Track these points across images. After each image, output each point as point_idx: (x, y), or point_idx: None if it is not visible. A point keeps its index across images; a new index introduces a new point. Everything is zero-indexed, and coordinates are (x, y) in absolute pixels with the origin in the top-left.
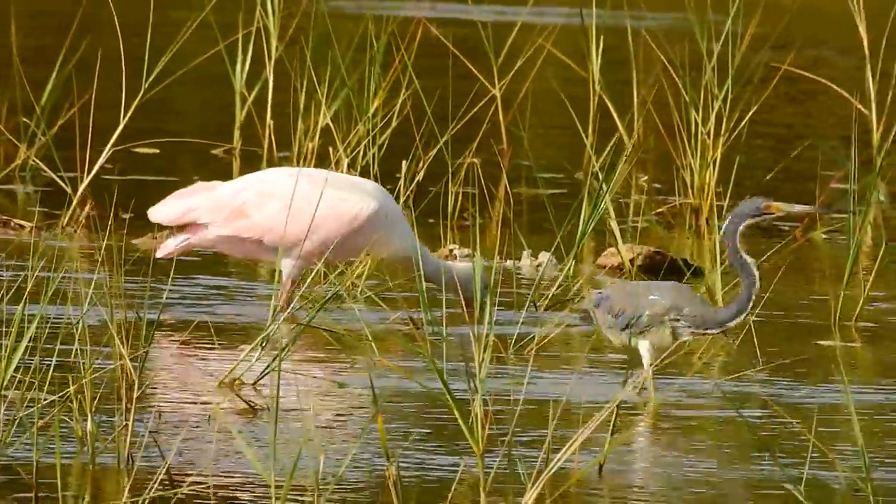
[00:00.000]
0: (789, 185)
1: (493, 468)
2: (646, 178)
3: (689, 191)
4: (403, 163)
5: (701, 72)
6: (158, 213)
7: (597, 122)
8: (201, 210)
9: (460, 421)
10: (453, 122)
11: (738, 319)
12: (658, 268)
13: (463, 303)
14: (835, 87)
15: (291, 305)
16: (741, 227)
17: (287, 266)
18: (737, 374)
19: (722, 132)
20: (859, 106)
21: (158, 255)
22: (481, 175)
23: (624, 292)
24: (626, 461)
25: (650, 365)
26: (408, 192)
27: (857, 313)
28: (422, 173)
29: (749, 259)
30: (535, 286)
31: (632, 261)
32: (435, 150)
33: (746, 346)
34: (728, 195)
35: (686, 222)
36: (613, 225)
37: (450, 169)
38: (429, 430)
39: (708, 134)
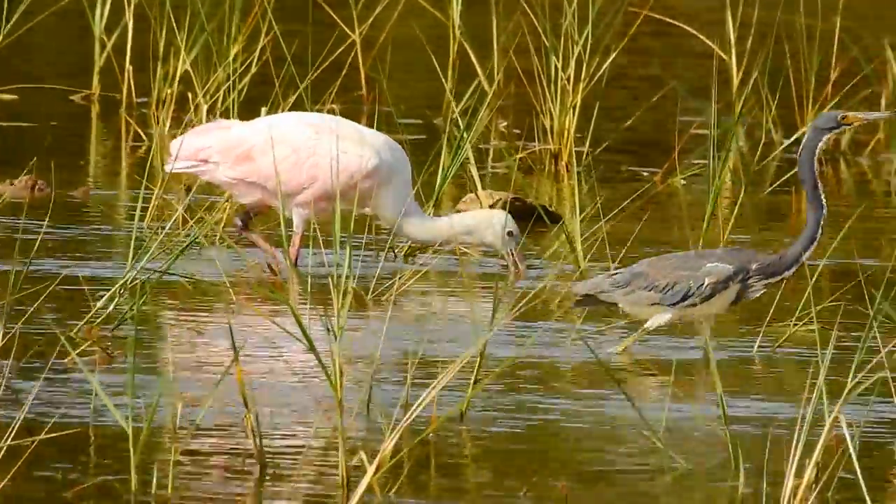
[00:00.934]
0: (649, 131)
1: (351, 415)
2: (506, 123)
3: (549, 136)
4: (262, 109)
5: (561, 16)
6: (174, 148)
7: (457, 68)
8: (213, 150)
9: (322, 368)
10: (313, 67)
11: (810, 250)
12: (518, 214)
13: (507, 258)
14: (694, 31)
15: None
16: (821, 143)
17: (295, 216)
18: (602, 325)
19: (582, 78)
20: (719, 52)
21: (167, 168)
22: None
23: (668, 266)
24: (489, 408)
25: (648, 328)
26: None
27: None
28: None
29: (819, 182)
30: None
31: (491, 206)
32: (294, 97)
33: None
34: (588, 141)
35: (546, 168)
36: (473, 171)
37: None
38: (290, 378)
39: (568, 79)
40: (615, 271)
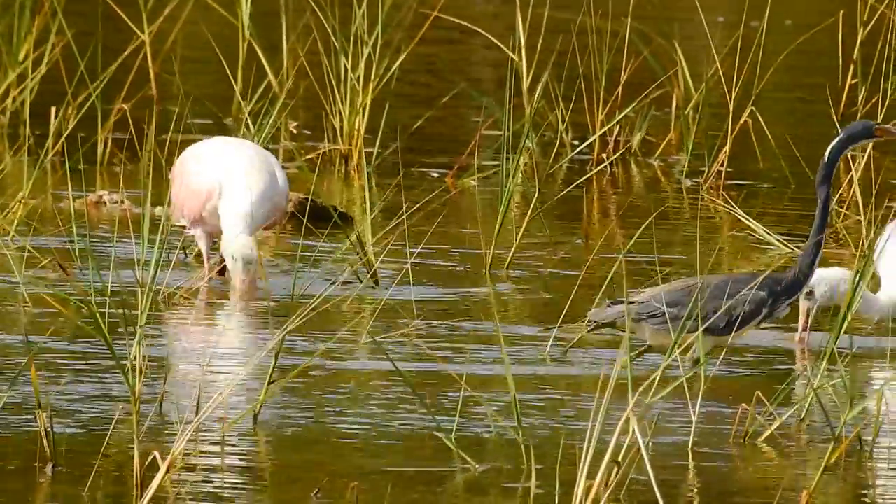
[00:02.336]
0: (440, 130)
1: (147, 416)
2: (296, 124)
3: (339, 137)
4: (52, 109)
5: (352, 17)
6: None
7: (247, 68)
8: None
9: (119, 367)
10: (103, 67)
11: (818, 257)
12: (314, 214)
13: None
14: (484, 32)
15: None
16: (848, 149)
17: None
18: (393, 331)
19: (371, 78)
20: (509, 52)
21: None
22: (131, 121)
23: (705, 294)
24: (282, 408)
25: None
26: (61, 139)
27: (509, 261)
28: (72, 120)
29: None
30: (184, 234)
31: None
32: (84, 96)
33: (402, 294)
34: (378, 142)
35: (336, 168)
36: None
37: (99, 115)
38: (87, 378)
39: (357, 80)
40: (636, 300)
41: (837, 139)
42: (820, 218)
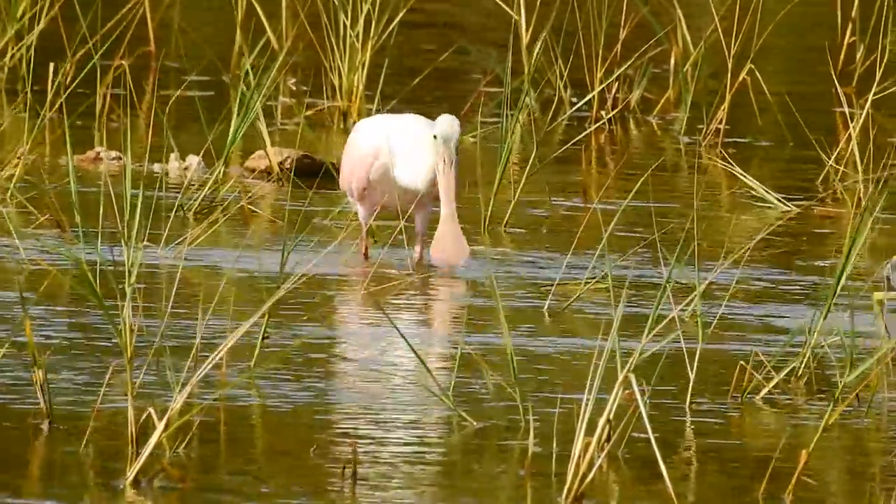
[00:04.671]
0: (441, 88)
1: (141, 372)
2: (294, 80)
3: (338, 94)
4: (51, 65)
5: None
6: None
7: (246, 25)
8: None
9: (110, 324)
10: (102, 24)
11: None
12: (307, 171)
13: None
14: None
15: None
16: None
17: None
18: (384, 285)
19: (371, 35)
20: (508, 10)
21: None
22: (130, 77)
23: None
24: (279, 368)
25: None
26: (63, 95)
27: (507, 218)
28: (70, 75)
29: None
30: (183, 189)
31: (281, 164)
32: (82, 52)
33: (397, 252)
34: (376, 99)
35: (335, 125)
36: (262, 128)
37: (98, 70)
38: (80, 337)
39: (356, 37)
40: None
41: None
42: None
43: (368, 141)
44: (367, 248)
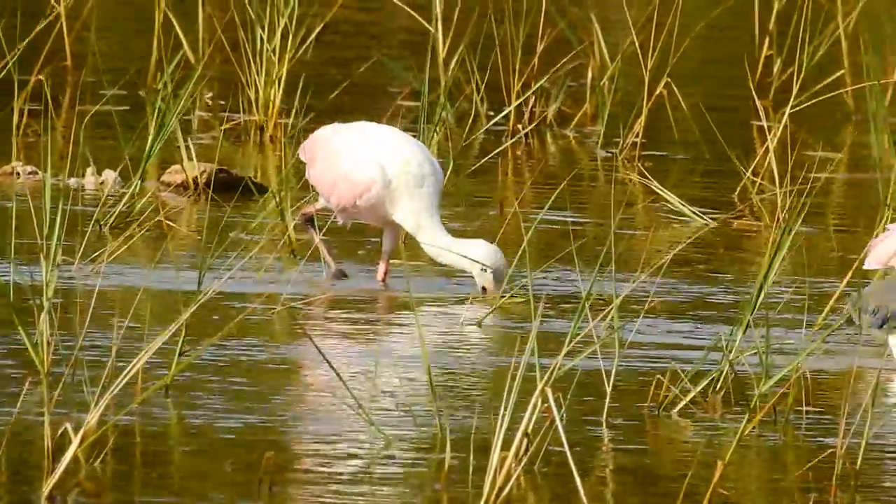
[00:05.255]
0: (357, 101)
1: (58, 386)
2: (211, 95)
3: (255, 108)
4: None
5: None
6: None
7: (162, 39)
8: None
9: (25, 339)
10: (20, 38)
11: None
12: (224, 185)
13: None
14: (401, 3)
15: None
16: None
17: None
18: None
19: (287, 49)
20: (425, 23)
21: None
22: (48, 91)
23: (881, 288)
24: (195, 382)
25: None
26: None
27: None
28: None
29: None
30: (100, 204)
31: (195, 179)
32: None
33: (317, 269)
34: (293, 113)
35: (251, 139)
36: (179, 142)
37: (15, 85)
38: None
39: (273, 51)
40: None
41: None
42: None
43: (363, 172)
44: (384, 271)
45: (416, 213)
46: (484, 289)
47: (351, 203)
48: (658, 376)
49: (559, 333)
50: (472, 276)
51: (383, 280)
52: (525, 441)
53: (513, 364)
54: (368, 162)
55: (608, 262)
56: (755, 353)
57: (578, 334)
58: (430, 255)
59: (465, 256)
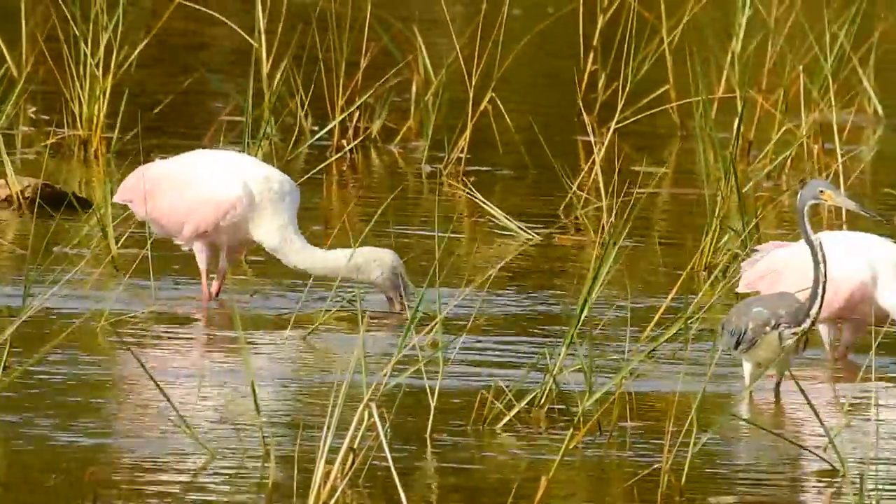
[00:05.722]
0: (181, 115)
1: None
2: (34, 109)
3: (79, 122)
4: None
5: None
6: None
7: None
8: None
9: None
10: None
11: (816, 305)
12: (49, 199)
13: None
14: (223, 18)
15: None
16: (806, 208)
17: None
18: (126, 315)
19: (112, 64)
20: (248, 38)
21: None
22: None
23: (737, 310)
24: (23, 398)
25: (750, 383)
26: None
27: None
28: None
29: (816, 240)
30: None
31: (22, 192)
32: None
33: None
34: (118, 127)
35: (75, 154)
36: (4, 157)
37: None
38: None
39: (97, 65)
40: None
41: (797, 203)
42: (815, 273)
43: (226, 191)
44: (217, 289)
45: (281, 228)
46: (391, 299)
47: (212, 226)
48: (482, 392)
49: (384, 351)
50: (364, 289)
51: (217, 296)
52: (351, 456)
53: (336, 379)
54: (230, 181)
55: (433, 278)
56: (579, 370)
57: (402, 351)
58: (305, 270)
59: (356, 260)
